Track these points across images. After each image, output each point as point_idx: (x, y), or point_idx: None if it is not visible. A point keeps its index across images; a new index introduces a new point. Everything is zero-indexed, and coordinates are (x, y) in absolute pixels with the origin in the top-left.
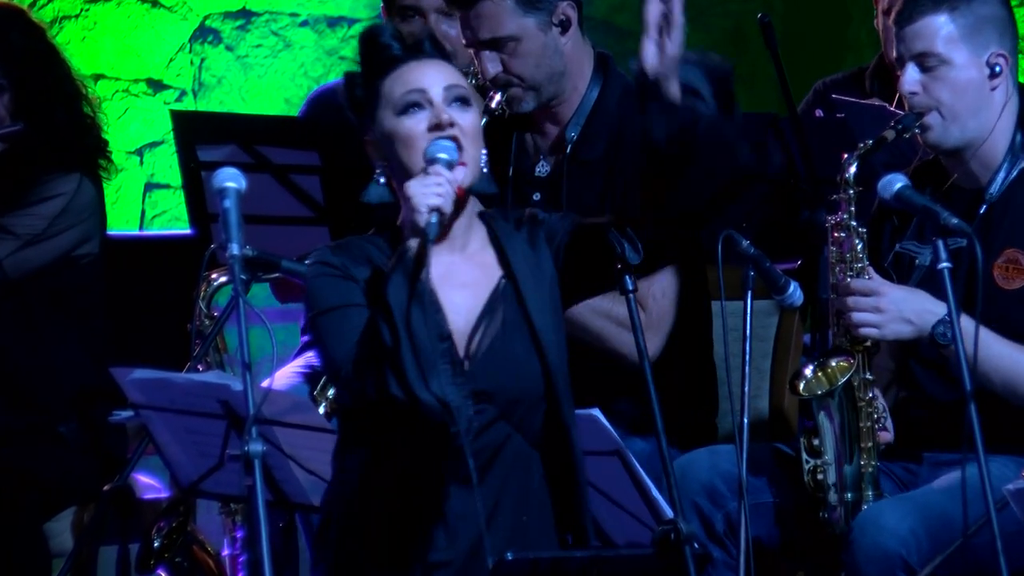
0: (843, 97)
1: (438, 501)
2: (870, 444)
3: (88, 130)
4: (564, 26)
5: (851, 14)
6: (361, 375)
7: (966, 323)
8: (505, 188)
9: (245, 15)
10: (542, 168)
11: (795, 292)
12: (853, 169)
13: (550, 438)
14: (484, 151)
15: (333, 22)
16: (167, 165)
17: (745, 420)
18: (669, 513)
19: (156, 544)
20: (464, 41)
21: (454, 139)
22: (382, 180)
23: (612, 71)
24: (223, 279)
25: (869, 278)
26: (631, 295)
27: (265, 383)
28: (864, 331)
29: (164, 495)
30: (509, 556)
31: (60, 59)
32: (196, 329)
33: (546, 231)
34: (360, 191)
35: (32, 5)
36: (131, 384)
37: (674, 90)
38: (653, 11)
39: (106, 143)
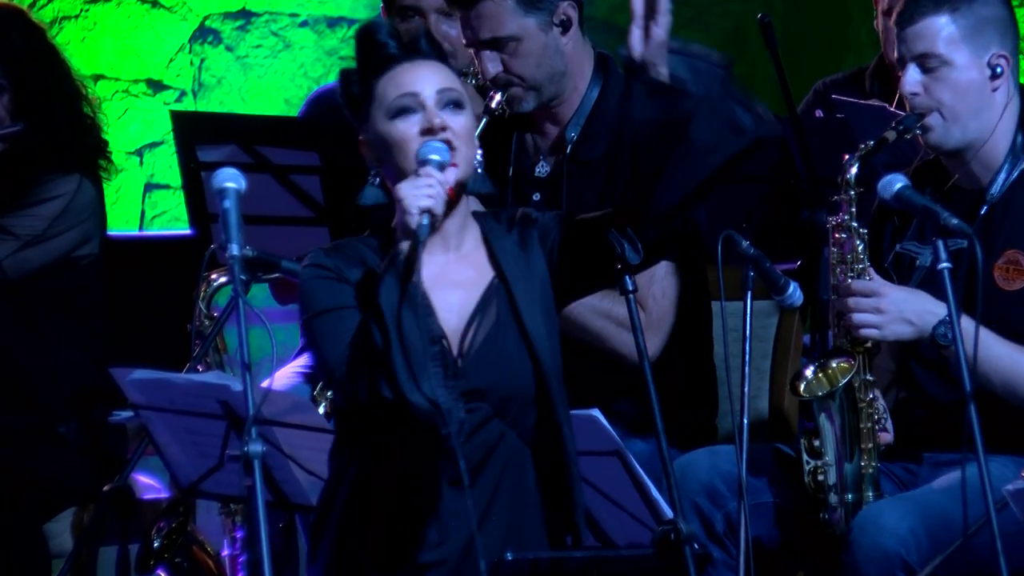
0: (843, 97)
1: (432, 501)
2: (870, 445)
3: (88, 130)
4: (565, 26)
5: (851, 14)
6: (353, 377)
7: (966, 324)
8: (505, 188)
9: (245, 15)
10: (542, 168)
11: (795, 292)
12: (854, 170)
13: (542, 438)
14: (480, 151)
15: (333, 22)
16: (167, 165)
17: (745, 420)
18: (669, 513)
19: (156, 544)
20: (464, 41)
21: (446, 141)
22: (376, 181)
23: (612, 71)
24: (223, 279)
25: (870, 279)
26: (631, 295)
27: (265, 383)
28: (865, 332)
29: (164, 495)
30: (508, 556)
31: (60, 59)
32: (196, 329)
33: (539, 231)
34: (360, 191)
35: (32, 5)
36: (131, 384)
37: (661, 75)
38: None
39: (106, 143)
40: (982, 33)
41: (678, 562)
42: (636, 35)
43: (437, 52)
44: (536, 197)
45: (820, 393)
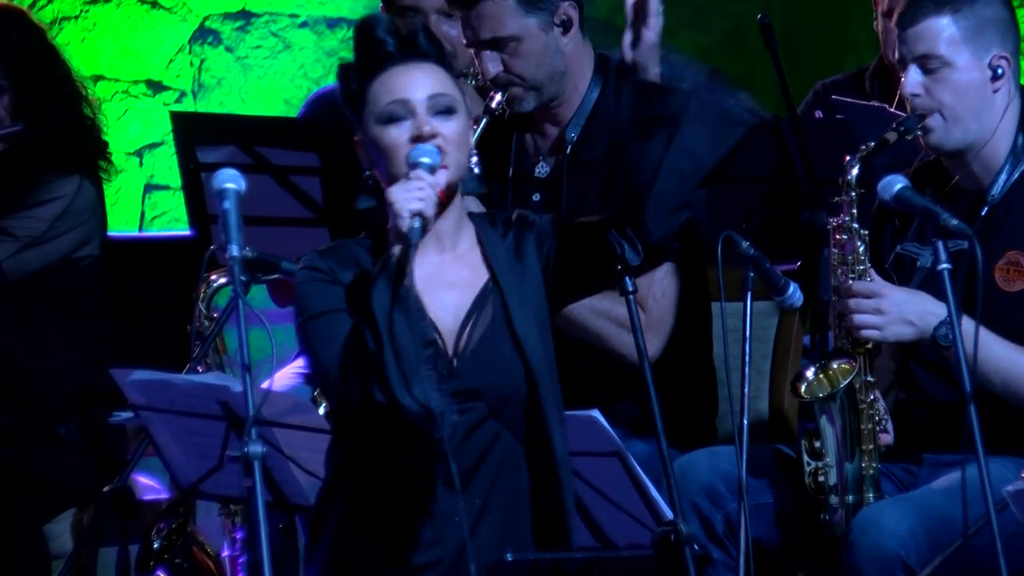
0: (843, 98)
1: (427, 501)
2: (871, 446)
3: (88, 131)
4: (565, 26)
5: (851, 14)
6: (346, 381)
7: (967, 324)
8: (505, 189)
9: (245, 16)
10: (542, 169)
11: (795, 293)
12: (855, 171)
13: (532, 440)
14: (475, 153)
15: (333, 23)
16: (167, 166)
17: (745, 421)
18: (669, 514)
19: (156, 545)
20: (465, 41)
21: (437, 147)
22: (370, 182)
23: (612, 72)
24: (223, 280)
25: (871, 280)
26: (631, 296)
27: (265, 384)
28: (865, 333)
29: (164, 496)
30: (508, 557)
31: (60, 60)
32: (196, 330)
33: (536, 234)
34: (360, 192)
35: (32, 6)
36: (131, 385)
37: (653, 75)
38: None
39: (106, 144)
40: (983, 34)
41: (678, 563)
42: (627, 38)
43: (435, 50)
44: (536, 197)
45: (821, 394)
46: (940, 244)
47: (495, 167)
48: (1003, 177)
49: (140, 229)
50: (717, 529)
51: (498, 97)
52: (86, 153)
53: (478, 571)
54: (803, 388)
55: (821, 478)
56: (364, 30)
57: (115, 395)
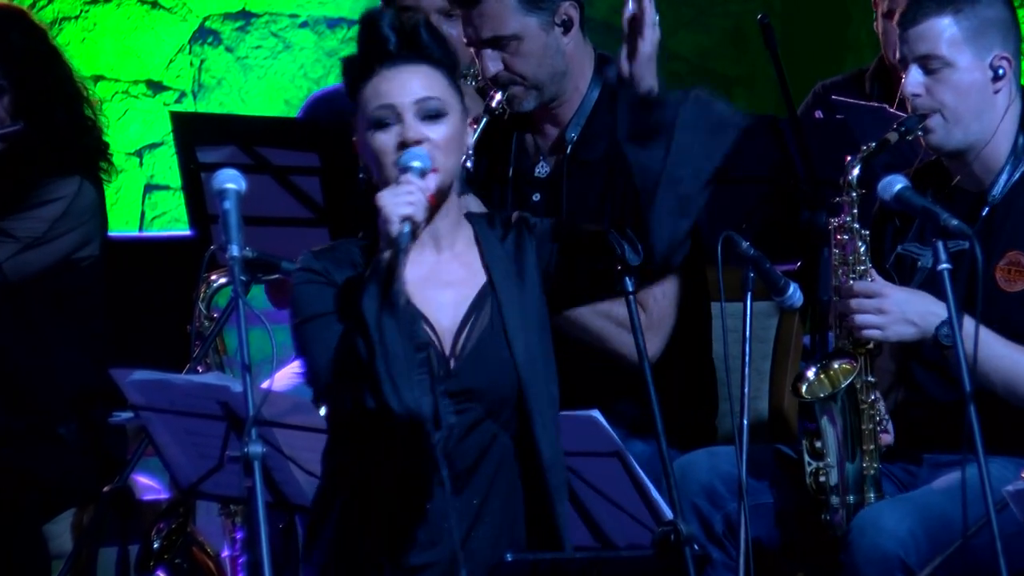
0: (843, 98)
1: (424, 503)
2: (872, 446)
3: (88, 132)
4: (566, 26)
5: (851, 15)
6: (339, 385)
7: (969, 325)
8: (505, 189)
9: (245, 16)
10: (542, 169)
11: (795, 293)
12: (856, 171)
13: (520, 443)
14: (469, 155)
15: (333, 23)
16: (167, 166)
17: (745, 421)
18: (669, 514)
19: (156, 545)
20: (465, 40)
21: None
22: (364, 184)
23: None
24: (223, 280)
25: (872, 280)
26: (631, 296)
27: (265, 384)
28: (867, 332)
29: (164, 496)
30: (509, 557)
31: (61, 61)
32: (196, 330)
33: (537, 237)
34: (359, 192)
35: (32, 6)
36: (131, 385)
37: (648, 88)
38: (626, 12)
39: (107, 145)
40: (985, 35)
41: (678, 563)
42: (623, 52)
43: (437, 46)
44: (536, 198)
45: (822, 395)
46: (940, 244)
47: (495, 167)
48: (1004, 177)
49: (140, 229)
50: (716, 529)
51: (498, 97)
52: (86, 154)
53: (477, 572)
54: (804, 388)
55: (822, 478)
56: (368, 24)
57: (115, 395)
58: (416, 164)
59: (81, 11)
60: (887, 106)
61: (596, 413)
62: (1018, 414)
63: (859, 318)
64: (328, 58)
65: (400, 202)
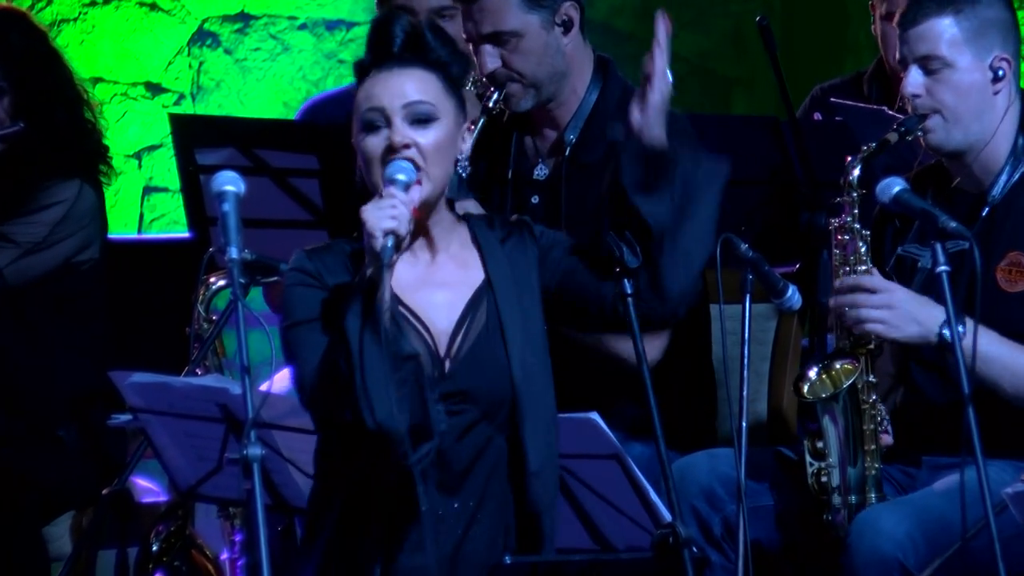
0: (842, 100)
1: (416, 505)
2: (873, 447)
3: (88, 135)
4: (566, 26)
5: (850, 16)
6: (322, 395)
7: (971, 327)
8: (504, 191)
9: (243, 18)
10: (541, 171)
11: (793, 296)
12: (857, 172)
13: (511, 450)
14: (463, 159)
15: (332, 25)
16: (166, 169)
17: (743, 423)
18: (668, 517)
19: (155, 548)
20: (464, 36)
21: (411, 160)
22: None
23: (612, 74)
24: (222, 283)
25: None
26: (630, 299)
27: (264, 387)
28: (871, 327)
29: (163, 499)
30: (507, 560)
31: (62, 63)
32: (195, 333)
33: (543, 246)
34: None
35: (31, 8)
36: (130, 388)
37: (655, 138)
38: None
39: (106, 148)
40: (985, 36)
41: (676, 565)
42: (635, 104)
43: (442, 49)
44: (535, 200)
45: (824, 395)
46: (939, 246)
47: (494, 169)
48: (1003, 178)
49: (139, 231)
50: (715, 532)
51: (495, 96)
52: (86, 157)
53: (473, 574)
54: (806, 388)
55: (824, 478)
56: (379, 24)
57: (114, 398)
58: (401, 177)
59: (80, 13)
60: (886, 108)
61: (595, 415)
62: (1017, 417)
63: (864, 312)
64: (327, 60)
65: (383, 216)
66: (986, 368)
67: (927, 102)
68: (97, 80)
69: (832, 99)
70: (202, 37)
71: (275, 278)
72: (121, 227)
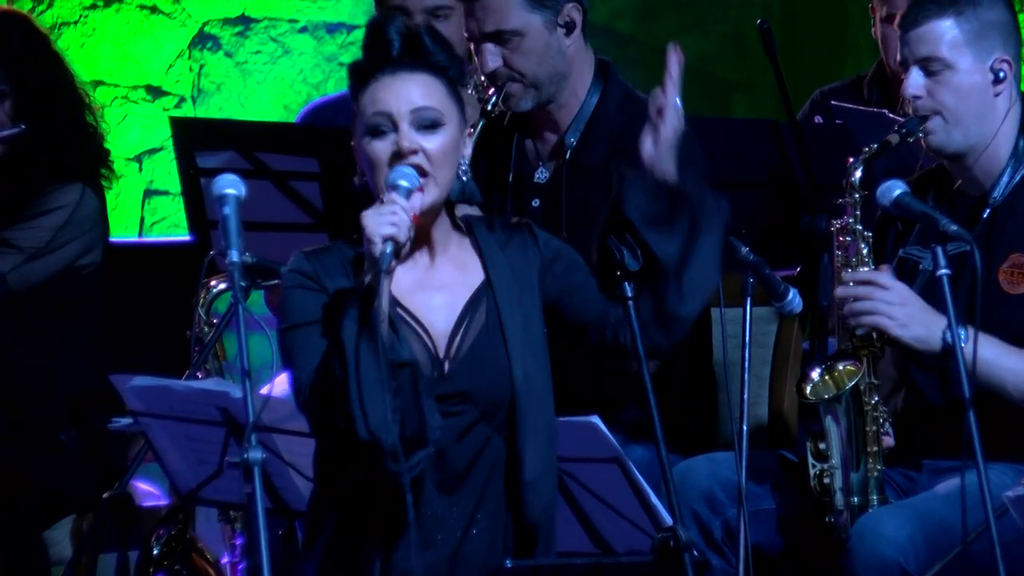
0: (842, 104)
1: (415, 508)
2: (876, 448)
3: (90, 138)
4: (569, 28)
5: (850, 19)
6: (317, 401)
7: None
8: (505, 194)
9: (244, 21)
10: (541, 174)
11: (794, 299)
12: (859, 173)
13: (509, 454)
14: (465, 164)
15: (332, 28)
16: (166, 172)
17: (744, 427)
18: (668, 520)
19: (155, 552)
20: (466, 34)
21: (417, 166)
22: (360, 188)
23: (612, 78)
24: (222, 286)
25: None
26: (630, 302)
27: (264, 390)
28: (880, 320)
29: (163, 503)
30: (508, 564)
31: (63, 67)
32: (195, 336)
33: (544, 255)
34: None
35: (31, 11)
36: (130, 391)
37: (665, 173)
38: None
39: (108, 152)
40: (986, 37)
41: (677, 569)
42: (647, 138)
43: (441, 53)
44: (535, 203)
45: (827, 396)
46: (939, 250)
47: (495, 172)
48: (1005, 180)
49: (140, 234)
50: (716, 536)
51: (492, 99)
52: (88, 160)
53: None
54: (809, 389)
55: (827, 480)
56: (374, 28)
57: (115, 401)
58: (404, 184)
59: (80, 16)
60: (886, 111)
61: (596, 419)
62: (1018, 420)
63: (875, 305)
64: (327, 63)
65: (383, 222)
66: (991, 372)
67: (928, 104)
68: (98, 83)
69: (833, 102)
70: (203, 40)
71: (276, 281)
72: (122, 230)
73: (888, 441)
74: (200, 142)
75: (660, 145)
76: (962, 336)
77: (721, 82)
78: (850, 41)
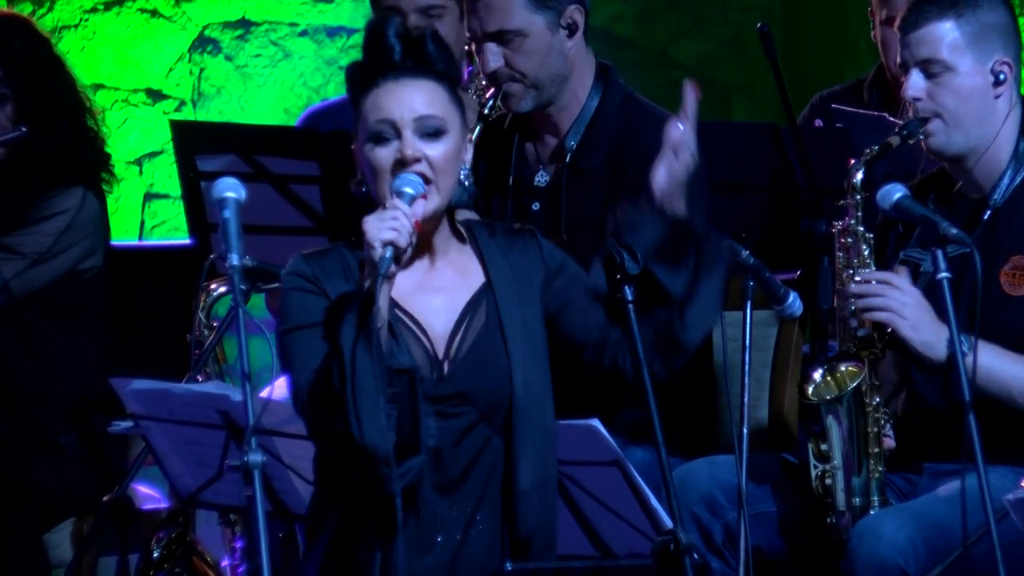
0: (842, 107)
1: (415, 509)
2: (877, 450)
3: (91, 142)
4: (571, 29)
5: (850, 21)
6: (315, 405)
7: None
8: (505, 197)
9: (244, 25)
10: (541, 177)
11: (794, 302)
12: (860, 175)
13: (505, 461)
14: (465, 168)
15: (332, 32)
16: (166, 175)
17: (744, 430)
18: (668, 523)
19: (155, 555)
20: (468, 34)
21: (420, 174)
22: (363, 189)
23: (613, 81)
24: (222, 289)
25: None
26: (630, 305)
27: (264, 393)
28: (892, 317)
29: (163, 506)
30: (508, 566)
31: (64, 71)
32: (195, 339)
33: (547, 265)
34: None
35: (32, 14)
36: (130, 395)
37: (676, 210)
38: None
39: (108, 156)
40: (986, 39)
41: (677, 572)
42: (660, 173)
43: (441, 59)
44: (536, 206)
45: (828, 397)
46: (940, 253)
47: (495, 175)
48: (1005, 182)
49: (140, 238)
50: (716, 539)
51: (490, 102)
52: (88, 164)
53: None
54: (811, 390)
55: (828, 481)
56: (374, 31)
57: (115, 404)
58: (408, 191)
59: (81, 20)
60: (886, 114)
61: (596, 422)
62: (1018, 423)
63: (889, 302)
64: (328, 67)
65: (384, 227)
66: (995, 381)
67: (928, 106)
68: (98, 87)
69: (833, 106)
70: (203, 43)
71: (276, 284)
72: (122, 234)
73: (889, 443)
74: (200, 145)
75: (673, 183)
76: (964, 345)
77: (721, 85)
78: (850, 44)
